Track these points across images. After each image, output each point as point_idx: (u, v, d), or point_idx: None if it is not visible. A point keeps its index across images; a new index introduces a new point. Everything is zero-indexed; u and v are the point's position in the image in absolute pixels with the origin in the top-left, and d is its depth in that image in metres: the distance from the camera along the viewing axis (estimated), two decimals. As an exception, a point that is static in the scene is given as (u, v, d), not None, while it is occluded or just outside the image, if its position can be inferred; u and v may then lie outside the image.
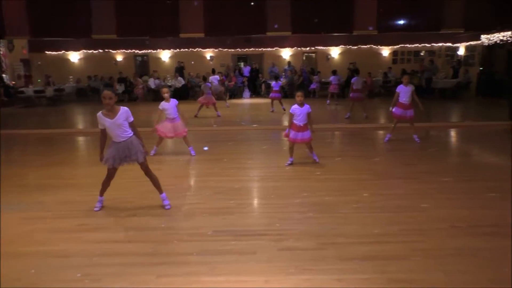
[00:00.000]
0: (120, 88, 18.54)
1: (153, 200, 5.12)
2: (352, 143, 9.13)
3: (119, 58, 20.63)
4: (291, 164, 6.85)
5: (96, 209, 4.94)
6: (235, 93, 19.46)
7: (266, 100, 17.87)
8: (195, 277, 3.39)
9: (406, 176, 6.36)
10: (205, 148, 8.27)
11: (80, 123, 13.50)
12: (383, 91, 18.74)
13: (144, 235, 4.21)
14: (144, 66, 21.08)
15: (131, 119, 4.76)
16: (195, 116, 12.58)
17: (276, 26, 10.88)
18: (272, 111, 13.61)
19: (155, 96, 18.43)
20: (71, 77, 19.57)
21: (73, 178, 6.47)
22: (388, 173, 6.44)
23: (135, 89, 18.67)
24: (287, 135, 6.78)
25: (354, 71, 12.18)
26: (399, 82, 18.69)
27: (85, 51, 19.73)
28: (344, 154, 7.64)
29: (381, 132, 10.23)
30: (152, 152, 7.55)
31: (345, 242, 3.94)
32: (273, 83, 13.62)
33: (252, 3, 10.43)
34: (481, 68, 17.33)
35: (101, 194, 4.99)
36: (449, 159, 7.68)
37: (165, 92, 7.53)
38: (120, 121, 4.66)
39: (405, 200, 5.11)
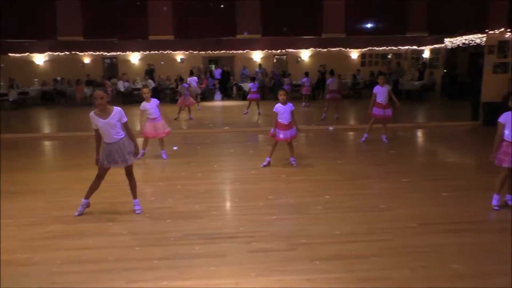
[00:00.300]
0: (88, 91, 18.13)
1: (121, 205, 5.04)
2: (323, 144, 9.24)
3: (87, 60, 20.15)
4: (267, 165, 6.86)
5: (76, 213, 4.78)
6: (207, 96, 19.37)
7: (238, 103, 17.91)
8: (164, 281, 3.34)
9: (375, 176, 6.50)
10: (175, 148, 8.20)
11: (46, 127, 13.09)
12: (352, 93, 19.08)
13: (112, 241, 4.12)
14: (113, 69, 20.65)
15: (125, 119, 4.70)
16: (175, 119, 12.49)
17: (245, 33, 10.94)
18: (246, 113, 13.59)
19: (125, 99, 18.11)
20: (36, 80, 18.94)
21: (39, 184, 6.27)
22: (357, 174, 6.54)
23: (103, 92, 18.27)
24: (273, 135, 6.78)
25: (330, 73, 12.33)
26: (368, 85, 19.22)
27: (50, 53, 19.11)
28: (315, 155, 7.72)
29: (351, 133, 10.42)
30: (139, 156, 7.33)
31: (315, 243, 3.98)
32: (250, 84, 13.62)
33: (222, 6, 10.41)
34: (445, 71, 17.91)
35: (87, 197, 4.83)
36: (416, 158, 7.89)
37: (146, 93, 7.42)
38: (113, 121, 4.60)
39: (373, 200, 5.22)
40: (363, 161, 7.58)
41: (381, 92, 8.42)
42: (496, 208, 4.75)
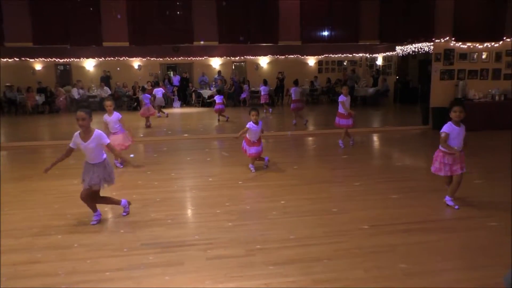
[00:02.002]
0: (40, 99, 17.44)
1: (72, 216, 4.87)
2: (281, 150, 9.35)
3: (38, 67, 19.40)
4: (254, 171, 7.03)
5: (93, 222, 4.70)
6: (165, 103, 19.11)
7: (197, 109, 17.83)
8: (120, 293, 3.27)
9: (331, 180, 6.65)
10: (131, 156, 8.03)
11: (37, 135, 12.42)
12: (310, 99, 19.47)
13: (65, 254, 3.97)
14: (67, 76, 20.00)
15: (106, 141, 4.60)
16: (148, 127, 12.58)
17: (202, 41, 10.90)
18: (219, 120, 13.70)
19: (79, 106, 17.55)
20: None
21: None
22: (315, 178, 6.67)
23: (56, 100, 17.64)
24: (245, 151, 7.07)
25: (294, 82, 12.61)
26: (325, 91, 19.63)
27: (-2, 59, 18.27)
28: (274, 161, 7.80)
29: (310, 138, 10.62)
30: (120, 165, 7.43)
31: (272, 247, 4.02)
32: (216, 96, 13.73)
33: (178, 13, 10.35)
34: (397, 77, 18.67)
35: (94, 210, 4.74)
36: (370, 162, 8.13)
37: (108, 106, 7.03)
38: (92, 145, 4.51)
39: (329, 203, 5.34)
40: (320, 165, 7.74)
41: (347, 101, 8.72)
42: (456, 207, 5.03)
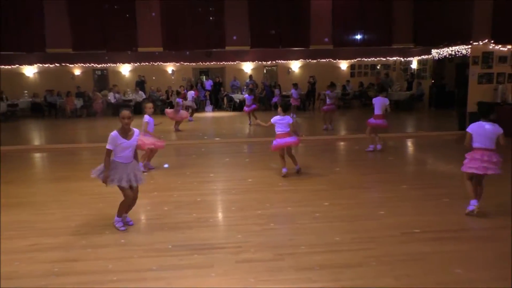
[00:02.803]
0: (78, 103, 18.11)
1: (110, 216, 5.03)
2: (312, 155, 9.32)
3: (77, 72, 20.16)
4: (285, 174, 6.91)
5: (122, 228, 4.73)
6: (197, 107, 19.42)
7: (228, 114, 18.00)
8: (151, 293, 3.36)
9: (362, 185, 6.56)
10: (166, 166, 8.11)
11: (35, 139, 13.03)
12: (342, 103, 19.26)
13: (99, 253, 4.12)
14: (103, 80, 20.67)
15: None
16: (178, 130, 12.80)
17: (234, 37, 11.00)
18: (251, 124, 13.71)
19: (115, 110, 18.09)
20: (25, 91, 18.88)
21: (26, 196, 6.24)
22: (345, 183, 6.62)
23: (94, 104, 18.26)
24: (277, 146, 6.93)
25: (329, 86, 12.40)
26: (357, 95, 19.39)
27: (40, 65, 19.11)
28: (304, 165, 7.78)
29: (342, 143, 10.52)
30: (144, 169, 7.39)
31: (301, 252, 4.03)
32: (246, 95, 13.78)
33: (211, 18, 10.54)
34: (432, 81, 18.19)
35: (119, 215, 4.78)
36: (403, 168, 7.98)
37: (149, 107, 7.42)
38: (135, 142, 4.68)
39: (359, 209, 5.28)
40: (350, 171, 7.65)
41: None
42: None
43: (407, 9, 11.16)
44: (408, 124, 14.15)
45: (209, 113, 18.77)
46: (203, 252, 4.09)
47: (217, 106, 20.04)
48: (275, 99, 18.83)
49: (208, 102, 19.67)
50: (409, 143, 10.61)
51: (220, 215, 5.37)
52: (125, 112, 4.57)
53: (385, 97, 8.85)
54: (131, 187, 4.66)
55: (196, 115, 16.01)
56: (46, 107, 18.36)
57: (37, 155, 10.01)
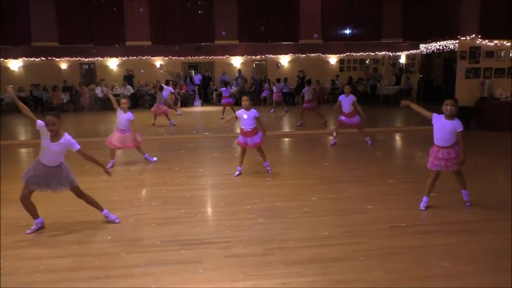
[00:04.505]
0: (65, 97, 17.86)
1: (97, 212, 4.96)
2: (301, 149, 9.33)
3: (64, 66, 19.86)
4: (239, 174, 6.73)
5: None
6: (186, 102, 19.32)
7: (218, 108, 17.89)
8: (139, 289, 3.32)
9: (351, 179, 6.58)
10: (154, 159, 8.04)
11: (21, 134, 12.82)
12: (332, 98, 19.31)
13: (86, 249, 4.07)
14: (91, 74, 20.42)
15: (76, 147, 4.45)
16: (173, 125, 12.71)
17: (223, 33, 10.92)
18: (222, 118, 13.58)
19: (103, 105, 17.92)
20: (11, 86, 18.47)
21: (11, 192, 6.10)
22: (334, 177, 6.63)
23: (81, 98, 18.04)
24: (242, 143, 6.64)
25: (306, 82, 12.40)
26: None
27: (25, 58, 18.78)
28: (293, 160, 7.79)
29: (330, 137, 10.52)
30: (109, 165, 7.22)
31: (291, 247, 4.02)
32: (222, 89, 13.68)
33: (200, 12, 10.45)
34: (421, 76, 18.32)
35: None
36: (392, 162, 8.03)
37: (124, 103, 7.37)
38: (57, 148, 4.39)
39: (348, 203, 5.29)
40: (339, 165, 7.68)
41: (345, 102, 8.75)
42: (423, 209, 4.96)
43: (396, 4, 11.18)
44: (397, 119, 14.23)
45: (198, 108, 18.67)
46: (192, 248, 4.05)
47: (206, 101, 19.95)
48: (264, 93, 18.82)
49: (197, 96, 19.56)
50: (398, 137, 10.67)
51: (209, 210, 5.33)
52: (49, 118, 4.24)
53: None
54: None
55: (185, 109, 15.91)
56: (32, 102, 18.05)
57: (23, 151, 9.84)
